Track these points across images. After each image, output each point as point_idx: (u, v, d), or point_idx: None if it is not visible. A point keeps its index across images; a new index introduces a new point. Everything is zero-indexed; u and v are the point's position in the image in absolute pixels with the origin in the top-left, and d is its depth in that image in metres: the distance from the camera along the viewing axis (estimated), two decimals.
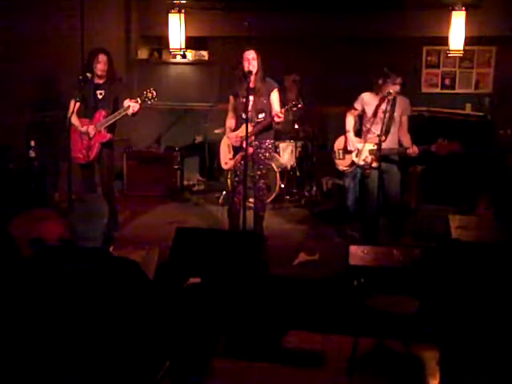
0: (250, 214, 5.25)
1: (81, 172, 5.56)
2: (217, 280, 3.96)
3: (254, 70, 5.09)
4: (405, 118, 5.23)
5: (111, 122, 5.41)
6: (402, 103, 5.20)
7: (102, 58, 5.38)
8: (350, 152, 5.32)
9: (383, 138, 4.97)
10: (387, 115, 5.06)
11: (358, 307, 3.59)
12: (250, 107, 5.12)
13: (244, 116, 5.10)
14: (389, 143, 5.09)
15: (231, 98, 5.39)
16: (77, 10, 6.84)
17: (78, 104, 5.33)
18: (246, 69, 5.08)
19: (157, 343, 2.41)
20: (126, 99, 5.43)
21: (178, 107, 8.12)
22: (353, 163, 5.31)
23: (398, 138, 5.22)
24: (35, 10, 6.20)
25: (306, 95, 7.27)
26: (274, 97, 5.26)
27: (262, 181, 5.38)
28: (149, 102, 5.40)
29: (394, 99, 5.12)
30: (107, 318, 2.24)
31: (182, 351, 3.12)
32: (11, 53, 5.90)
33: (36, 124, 6.28)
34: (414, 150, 5.03)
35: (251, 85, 5.11)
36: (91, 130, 5.36)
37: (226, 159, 5.46)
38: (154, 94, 5.38)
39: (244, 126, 4.99)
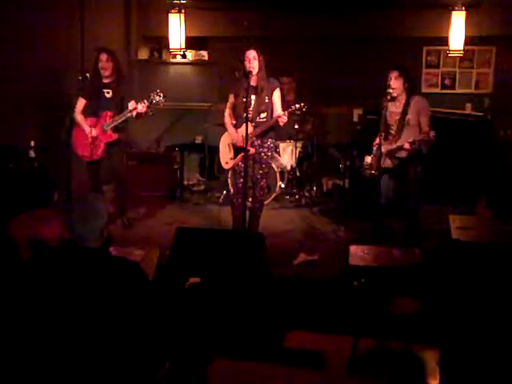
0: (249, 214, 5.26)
1: (88, 170, 5.66)
2: (217, 280, 3.96)
3: (255, 70, 5.06)
4: (424, 120, 4.98)
5: (118, 123, 5.49)
6: (416, 105, 5.01)
7: (102, 56, 5.43)
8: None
9: (396, 139, 4.97)
10: (398, 117, 5.01)
11: (359, 307, 3.58)
12: (251, 107, 5.09)
13: (244, 116, 5.10)
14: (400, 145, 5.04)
15: (231, 96, 5.37)
16: (77, 10, 6.84)
17: (84, 102, 5.49)
18: (246, 68, 5.07)
19: (156, 344, 2.41)
20: (131, 100, 5.47)
21: (178, 107, 8.11)
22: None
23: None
24: (35, 9, 6.19)
25: (305, 95, 7.28)
26: (276, 96, 5.21)
27: (264, 180, 5.35)
28: (156, 104, 5.46)
29: (408, 101, 4.99)
30: (107, 318, 2.24)
31: (182, 351, 3.12)
32: (11, 53, 5.89)
33: (36, 124, 6.28)
34: (400, 152, 5.04)
35: (253, 84, 5.08)
36: (94, 132, 5.45)
37: (227, 158, 5.42)
38: (162, 95, 5.46)
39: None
